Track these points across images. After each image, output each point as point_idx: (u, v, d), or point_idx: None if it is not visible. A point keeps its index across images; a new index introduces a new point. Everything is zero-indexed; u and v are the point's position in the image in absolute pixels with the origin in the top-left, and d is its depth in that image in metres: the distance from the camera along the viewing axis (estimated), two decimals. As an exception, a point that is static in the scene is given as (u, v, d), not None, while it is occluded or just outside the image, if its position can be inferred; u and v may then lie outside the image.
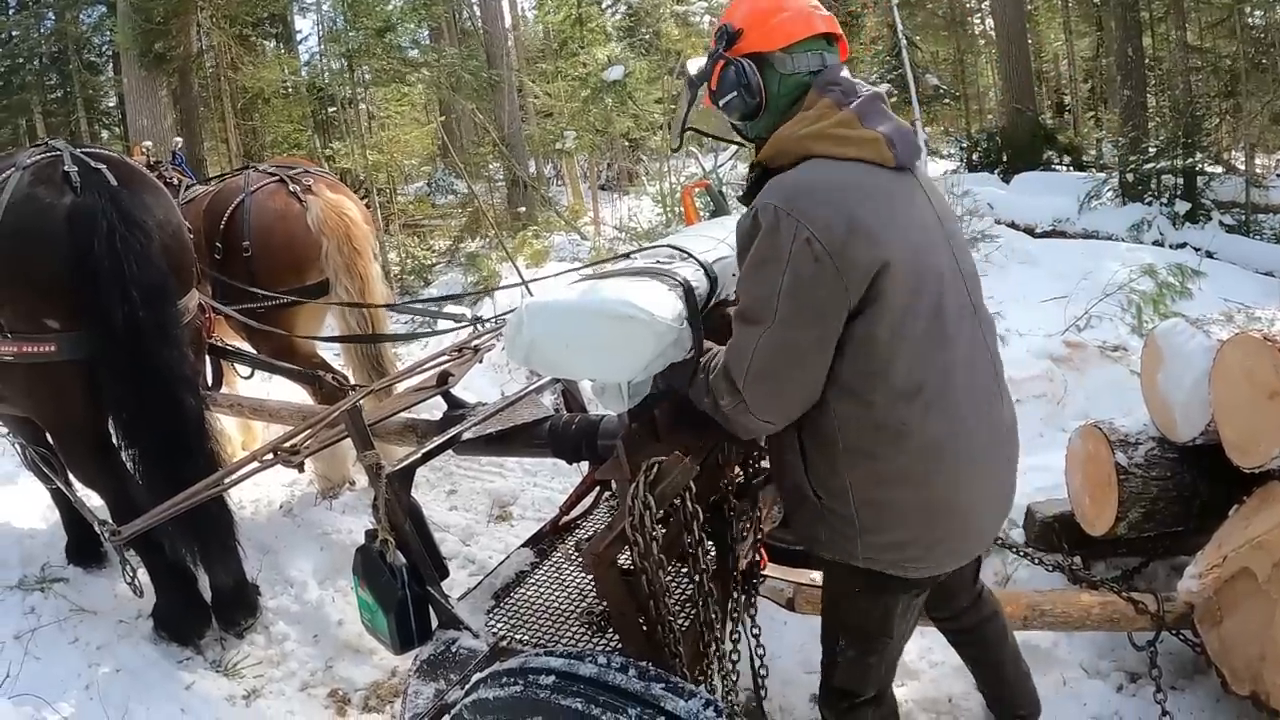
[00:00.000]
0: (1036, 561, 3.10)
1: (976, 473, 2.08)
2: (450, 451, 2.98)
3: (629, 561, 2.09)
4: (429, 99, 16.44)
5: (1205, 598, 2.88)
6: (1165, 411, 3.20)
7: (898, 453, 2.00)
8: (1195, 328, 3.12)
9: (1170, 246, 9.56)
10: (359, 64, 13.02)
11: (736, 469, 2.72)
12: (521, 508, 4.88)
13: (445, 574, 2.59)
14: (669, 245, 2.51)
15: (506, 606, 2.73)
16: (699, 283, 2.26)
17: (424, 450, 2.71)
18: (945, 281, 2.03)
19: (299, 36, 16.05)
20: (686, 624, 2.36)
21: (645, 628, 2.14)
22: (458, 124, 18.46)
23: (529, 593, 2.80)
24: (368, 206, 12.23)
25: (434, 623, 2.46)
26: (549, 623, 2.64)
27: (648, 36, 15.27)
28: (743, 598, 2.59)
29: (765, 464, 2.83)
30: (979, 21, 22.16)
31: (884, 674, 2.35)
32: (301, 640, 3.85)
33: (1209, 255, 9.24)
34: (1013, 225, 10.23)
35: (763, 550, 2.85)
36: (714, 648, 2.31)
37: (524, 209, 13.59)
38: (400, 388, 3.60)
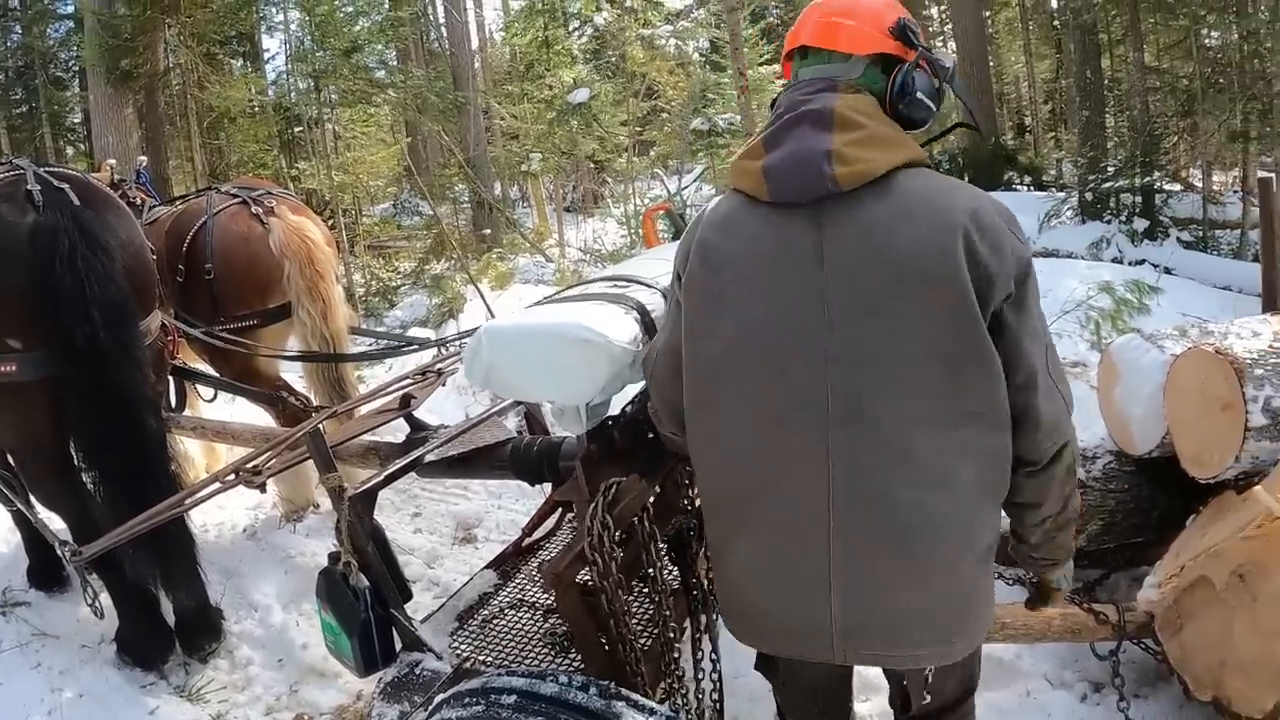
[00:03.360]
0: (996, 576, 3.12)
1: (794, 586, 1.83)
2: (414, 474, 3.01)
3: (590, 581, 2.12)
4: (395, 120, 16.42)
5: (1165, 607, 2.91)
6: (1122, 425, 3.24)
7: (707, 523, 2.05)
8: (1149, 343, 3.17)
9: (1129, 263, 9.71)
10: (325, 84, 13.00)
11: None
12: (486, 530, 4.87)
13: (408, 596, 2.61)
14: (624, 272, 2.58)
15: (470, 628, 2.75)
16: (654, 305, 2.32)
17: (386, 473, 2.71)
18: (785, 353, 1.75)
19: (266, 55, 15.89)
20: (649, 643, 2.38)
21: (607, 647, 2.17)
22: (424, 145, 18.45)
23: (492, 614, 2.82)
24: (332, 228, 12.33)
25: (398, 645, 2.46)
26: (513, 643, 2.66)
27: (614, 59, 15.35)
28: (704, 617, 2.59)
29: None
30: (941, 44, 22.45)
31: None
32: (266, 664, 3.81)
33: (1167, 271, 9.40)
34: (976, 246, 10.31)
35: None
36: (674, 666, 2.33)
37: (489, 231, 13.58)
38: (363, 410, 3.63)
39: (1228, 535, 2.60)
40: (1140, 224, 10.41)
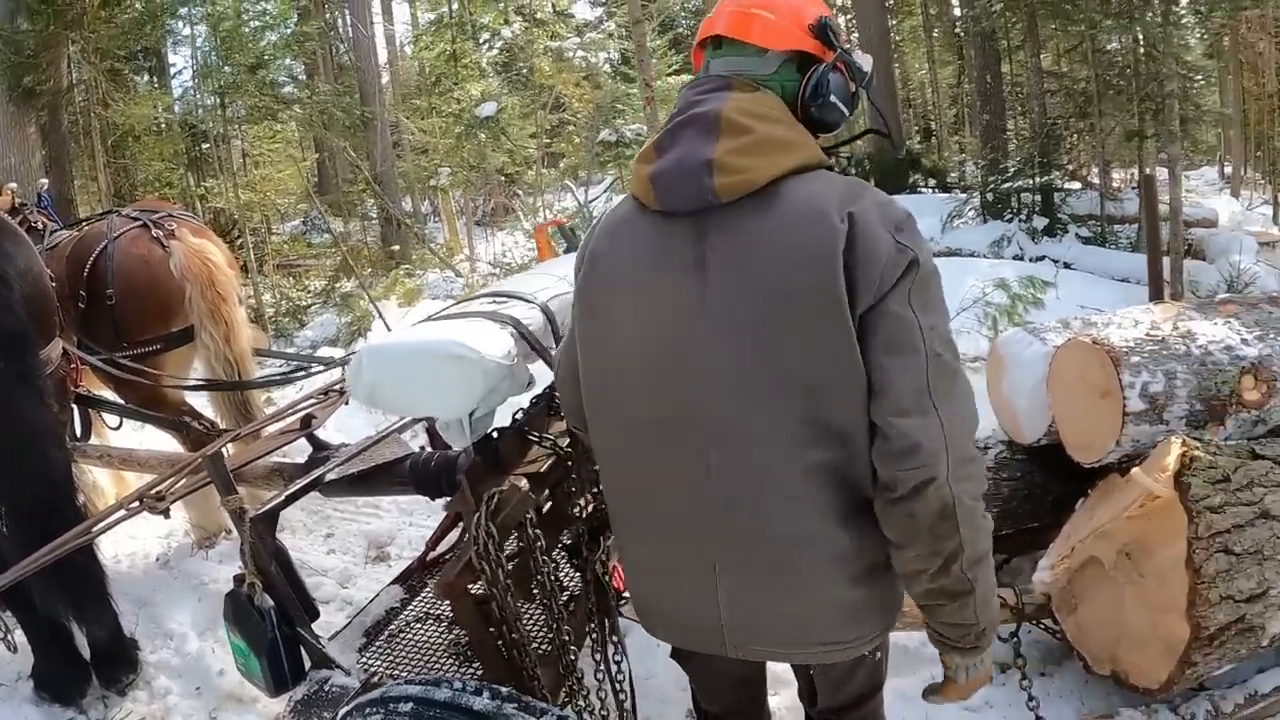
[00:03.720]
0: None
1: (678, 588, 1.84)
2: (325, 495, 3.06)
3: (482, 589, 2.18)
4: (305, 136, 16.18)
5: (1060, 587, 3.02)
6: (1011, 416, 3.34)
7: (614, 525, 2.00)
8: (1033, 336, 3.28)
9: (1030, 260, 10.01)
10: (231, 100, 12.81)
11: (589, 497, 2.74)
12: (399, 547, 4.83)
13: (315, 614, 2.64)
14: (506, 288, 2.64)
15: (378, 643, 2.80)
16: (530, 319, 2.40)
17: (286, 493, 2.74)
18: (664, 367, 1.71)
19: (173, 71, 15.42)
20: (547, 648, 2.42)
21: (504, 653, 2.22)
22: (333, 161, 18.21)
23: (399, 628, 2.88)
24: (240, 247, 12.14)
25: (307, 663, 2.49)
26: (419, 656, 2.72)
27: (523, 72, 15.36)
28: (606, 621, 2.61)
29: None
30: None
31: None
32: (184, 693, 3.75)
33: (1067, 266, 9.71)
34: (879, 248, 10.52)
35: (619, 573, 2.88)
36: (573, 670, 2.36)
37: (397, 247, 13.45)
38: (267, 432, 3.65)
39: (1113, 516, 2.71)
40: (1040, 222, 10.74)
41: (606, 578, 2.58)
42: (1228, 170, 21.45)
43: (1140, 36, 10.68)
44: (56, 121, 13.71)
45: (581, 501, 2.65)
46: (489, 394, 2.19)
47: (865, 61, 1.78)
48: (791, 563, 1.71)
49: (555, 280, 2.66)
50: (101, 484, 4.94)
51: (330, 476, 2.92)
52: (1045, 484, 3.39)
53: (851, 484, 1.66)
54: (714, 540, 1.73)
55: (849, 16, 19.12)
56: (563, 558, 2.56)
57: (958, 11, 18.73)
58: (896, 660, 2.87)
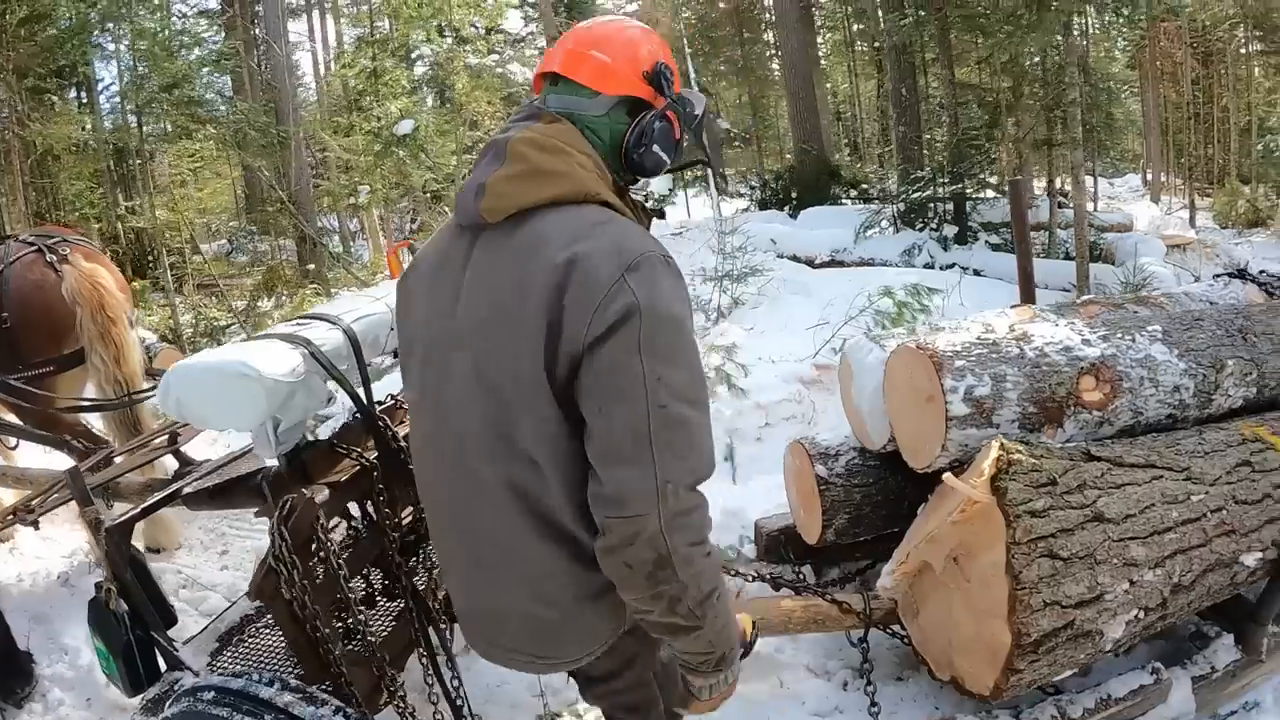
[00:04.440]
0: (733, 574, 3.18)
1: (453, 574, 1.94)
2: (189, 509, 3.15)
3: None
4: (225, 155, 15.95)
5: (903, 593, 3.01)
6: (859, 422, 3.34)
7: None
8: (873, 343, 3.28)
9: (940, 268, 10.14)
10: (149, 119, 12.64)
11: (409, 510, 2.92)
12: (290, 563, 4.84)
13: (172, 620, 2.84)
14: (319, 310, 2.91)
15: (230, 647, 2.98)
16: (326, 340, 2.60)
17: (142, 506, 2.91)
18: (424, 358, 1.82)
19: (101, 86, 14.99)
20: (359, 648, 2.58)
21: (316, 653, 2.42)
22: (259, 181, 17.97)
23: (251, 633, 3.05)
24: (156, 268, 11.94)
25: (163, 665, 2.68)
26: (264, 657, 2.90)
27: (442, 90, 15.30)
28: (429, 629, 2.81)
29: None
30: (777, 68, 23.12)
31: None
32: (76, 705, 3.80)
33: (976, 273, 9.85)
34: (794, 258, 10.66)
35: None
36: (384, 672, 2.56)
37: (312, 266, 13.29)
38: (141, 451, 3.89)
39: (939, 522, 2.69)
40: (951, 230, 10.87)
41: (431, 587, 2.81)
42: (1150, 177, 21.99)
43: (1044, 49, 10.88)
44: (-26, 140, 13.48)
45: (402, 514, 2.84)
46: (283, 408, 2.42)
47: (698, 104, 1.85)
48: (498, 574, 1.77)
49: (369, 302, 2.92)
50: (7, 502, 4.99)
51: (188, 490, 3.01)
52: (901, 489, 3.40)
53: (544, 511, 1.67)
54: (457, 535, 1.84)
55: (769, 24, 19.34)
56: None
57: (879, 26, 19.01)
58: (745, 667, 2.86)
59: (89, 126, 13.57)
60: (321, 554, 2.44)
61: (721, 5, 22.33)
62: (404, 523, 2.84)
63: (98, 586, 2.60)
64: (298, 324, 2.74)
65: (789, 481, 3.65)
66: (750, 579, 3.23)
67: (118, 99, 13.46)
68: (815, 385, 5.36)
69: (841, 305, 6.69)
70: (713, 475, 1.63)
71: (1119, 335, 3.05)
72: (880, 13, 14.38)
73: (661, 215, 1.99)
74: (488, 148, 1.76)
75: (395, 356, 2.64)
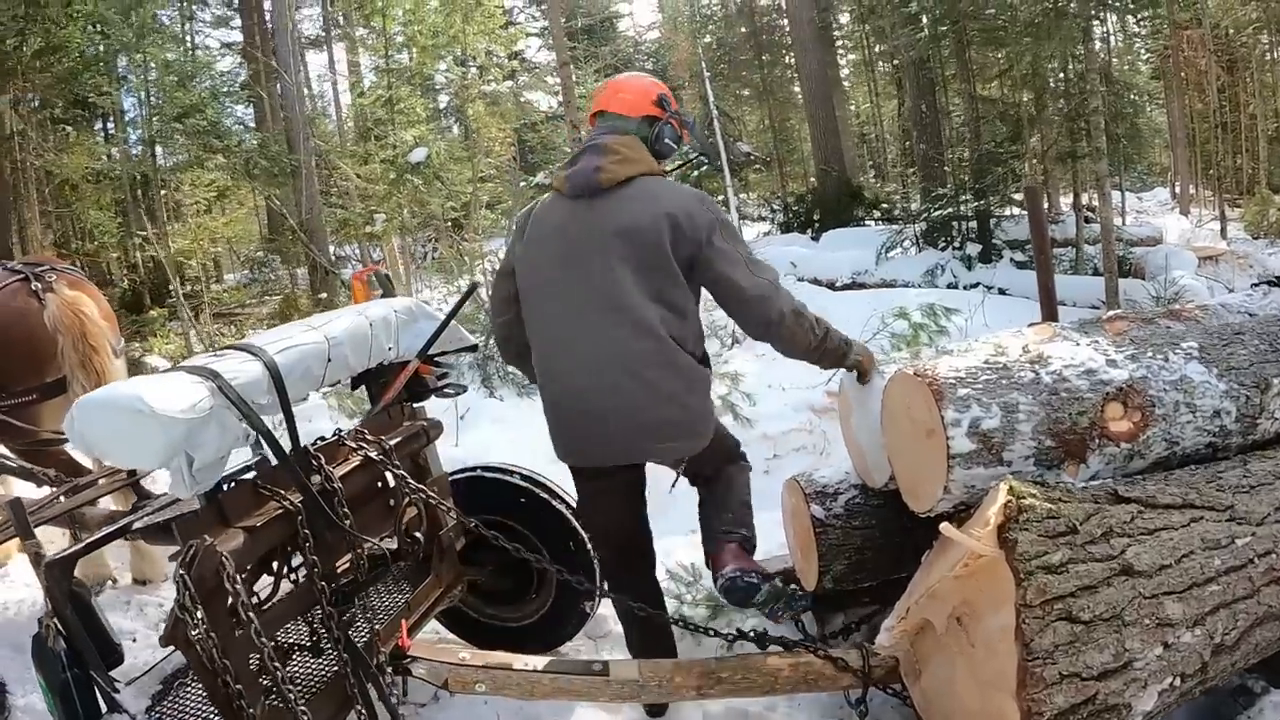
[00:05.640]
0: (706, 631, 2.87)
1: (570, 394, 2.95)
2: (147, 542, 3.28)
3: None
4: (249, 184, 15.92)
5: (904, 650, 2.66)
6: (860, 458, 3.03)
7: (539, 373, 3.10)
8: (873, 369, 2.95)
9: (964, 287, 9.80)
10: (165, 148, 12.69)
11: (347, 558, 2.82)
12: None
13: (117, 659, 2.70)
14: (247, 341, 2.79)
15: (171, 690, 2.89)
16: (239, 373, 2.49)
17: (87, 541, 2.80)
18: (564, 263, 2.93)
19: (128, 115, 14.99)
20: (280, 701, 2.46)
21: (230, 703, 2.32)
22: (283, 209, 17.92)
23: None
24: (170, 296, 11.87)
25: (104, 706, 2.60)
26: (201, 702, 2.75)
27: (460, 117, 15.19)
28: (380, 678, 2.70)
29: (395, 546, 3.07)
30: (797, 90, 22.89)
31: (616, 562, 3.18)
32: None
33: (1001, 292, 9.48)
34: (815, 281, 10.38)
35: (404, 634, 2.90)
36: None
37: (324, 295, 13.15)
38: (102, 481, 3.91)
39: (940, 575, 2.34)
40: (974, 249, 10.51)
41: (369, 639, 2.71)
42: (1178, 189, 21.54)
43: (1068, 58, 10.51)
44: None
45: (338, 561, 2.77)
46: (194, 444, 2.31)
47: (689, 116, 3.27)
48: (649, 386, 2.85)
49: (303, 332, 2.84)
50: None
51: (137, 525, 2.92)
52: (906, 530, 3.04)
53: (663, 329, 2.84)
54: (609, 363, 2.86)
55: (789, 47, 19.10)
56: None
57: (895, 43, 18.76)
58: None
59: (111, 155, 13.58)
60: (235, 604, 2.33)
61: (741, 29, 22.22)
62: (339, 570, 2.76)
63: (39, 622, 2.55)
64: (213, 356, 2.64)
65: (786, 521, 3.34)
66: (731, 638, 2.90)
67: (125, 130, 13.49)
68: (827, 414, 5.03)
69: (858, 328, 6.37)
70: None
71: (1150, 354, 2.69)
72: (896, 28, 14.06)
73: None
74: (584, 150, 3.01)
75: (336, 386, 3.15)
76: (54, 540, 5.09)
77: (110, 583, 5.01)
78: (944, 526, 2.21)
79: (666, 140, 3.09)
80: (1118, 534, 2.31)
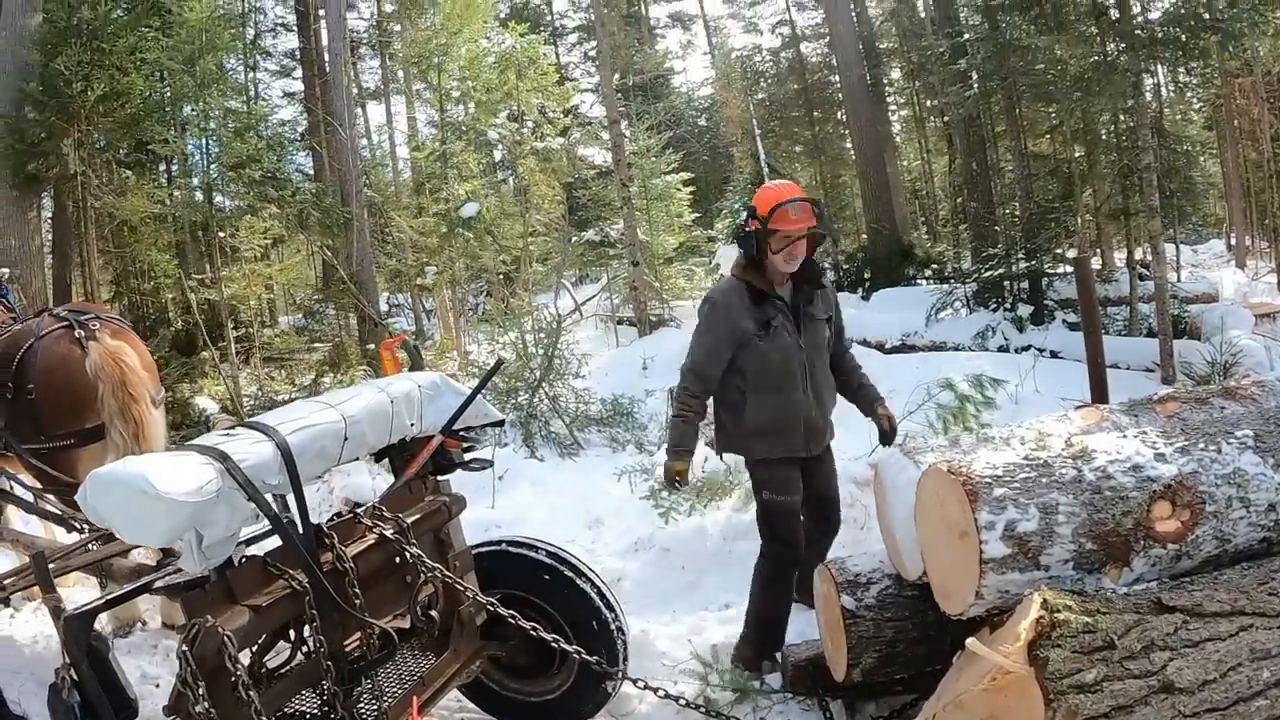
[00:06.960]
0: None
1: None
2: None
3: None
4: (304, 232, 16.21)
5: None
6: (894, 547, 2.92)
7: None
8: (907, 458, 2.86)
9: (1015, 350, 9.60)
10: (222, 195, 13.08)
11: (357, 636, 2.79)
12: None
13: (131, 714, 2.66)
14: (257, 420, 2.76)
15: None
16: (249, 454, 2.48)
17: (107, 597, 2.80)
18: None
19: (185, 162, 15.38)
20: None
21: None
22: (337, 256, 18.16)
23: None
24: (222, 340, 12.04)
25: None
26: None
27: (510, 174, 15.34)
28: None
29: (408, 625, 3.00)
30: (849, 146, 22.85)
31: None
32: None
33: (1054, 354, 9.27)
34: (864, 343, 10.22)
35: (415, 709, 2.82)
36: None
37: (373, 345, 13.26)
38: None
39: (968, 686, 2.23)
40: (1026, 310, 10.32)
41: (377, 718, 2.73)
42: (1234, 241, 21.05)
43: (1118, 113, 10.35)
44: (61, 207, 13.99)
45: (347, 640, 2.73)
46: (203, 522, 2.32)
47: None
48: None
49: (321, 410, 2.82)
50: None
51: (159, 584, 2.88)
52: (942, 624, 2.91)
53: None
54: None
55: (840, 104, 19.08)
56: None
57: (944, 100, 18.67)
58: None
59: (173, 198, 13.89)
60: (234, 685, 2.34)
61: (793, 86, 22.28)
62: (347, 649, 2.73)
63: (56, 673, 2.55)
64: (225, 434, 2.66)
65: (818, 607, 3.23)
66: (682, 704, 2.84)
67: (184, 177, 13.81)
68: (868, 487, 4.88)
69: (906, 394, 6.23)
70: None
71: (1201, 445, 2.57)
72: (945, 85, 13.98)
73: None
74: None
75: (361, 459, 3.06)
76: (83, 582, 5.16)
77: (140, 624, 5.10)
78: (970, 642, 2.10)
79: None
80: (1159, 647, 2.19)
